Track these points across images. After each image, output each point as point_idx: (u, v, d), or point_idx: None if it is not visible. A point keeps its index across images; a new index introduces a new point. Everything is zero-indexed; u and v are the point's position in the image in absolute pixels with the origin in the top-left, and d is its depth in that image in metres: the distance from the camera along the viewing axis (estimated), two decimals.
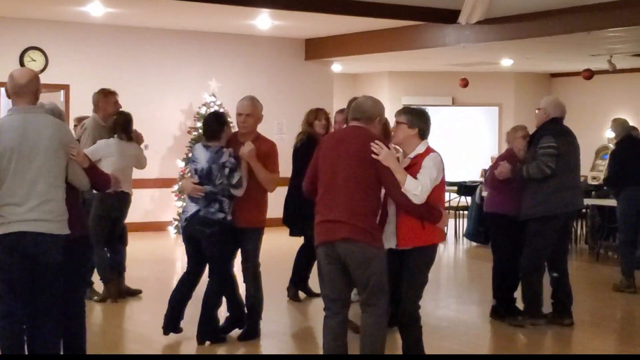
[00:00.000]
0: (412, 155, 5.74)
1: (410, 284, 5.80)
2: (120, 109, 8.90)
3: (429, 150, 5.75)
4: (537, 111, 8.17)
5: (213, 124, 7.06)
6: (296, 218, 8.64)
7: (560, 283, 8.13)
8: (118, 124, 8.64)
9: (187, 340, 7.21)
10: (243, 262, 7.27)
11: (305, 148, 8.55)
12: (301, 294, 9.17)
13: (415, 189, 5.50)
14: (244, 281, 7.33)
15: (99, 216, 8.56)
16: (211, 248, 7.01)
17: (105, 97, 8.93)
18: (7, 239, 5.27)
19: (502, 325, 8.00)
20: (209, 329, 7.12)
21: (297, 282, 9.14)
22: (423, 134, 5.79)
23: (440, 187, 5.73)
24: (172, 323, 7.24)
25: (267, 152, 7.07)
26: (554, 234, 7.89)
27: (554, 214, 7.80)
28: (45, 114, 5.49)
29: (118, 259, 8.88)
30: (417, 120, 5.78)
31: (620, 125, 10.51)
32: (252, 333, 7.32)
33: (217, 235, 6.96)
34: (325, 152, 5.76)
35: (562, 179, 7.76)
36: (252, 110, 7.08)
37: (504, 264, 8.17)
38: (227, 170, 6.89)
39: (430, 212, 5.65)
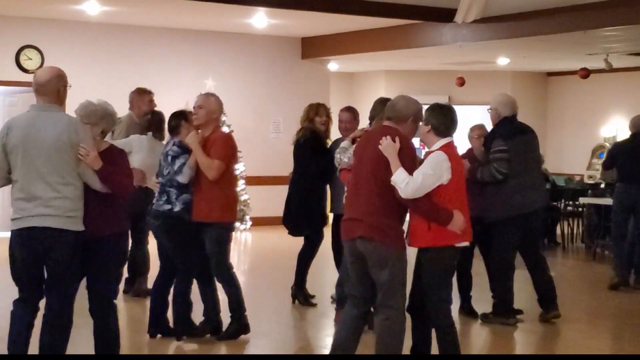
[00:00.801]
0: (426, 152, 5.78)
1: (427, 286, 5.69)
2: (155, 108, 9.00)
3: (441, 148, 5.65)
4: (488, 111, 8.15)
5: (171, 120, 7.26)
6: (298, 218, 8.50)
7: (541, 279, 8.17)
8: (153, 123, 8.69)
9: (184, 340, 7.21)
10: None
11: (309, 144, 8.41)
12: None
13: (402, 182, 5.44)
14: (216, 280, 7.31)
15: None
16: (165, 242, 7.10)
17: (139, 96, 9.13)
18: (19, 234, 5.42)
19: (499, 325, 8.00)
20: (182, 327, 7.15)
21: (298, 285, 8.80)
22: (437, 130, 5.71)
23: (449, 187, 5.54)
24: (154, 324, 7.26)
25: (214, 140, 6.99)
26: (516, 235, 7.92)
27: (514, 215, 7.80)
28: (61, 113, 5.52)
29: (141, 257, 8.91)
30: (430, 116, 5.73)
31: (631, 121, 10.55)
32: (239, 330, 7.24)
33: (165, 227, 7.03)
34: (356, 151, 5.91)
35: (519, 179, 7.74)
36: (202, 102, 7.12)
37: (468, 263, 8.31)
38: (169, 158, 6.99)
39: (436, 212, 5.52)
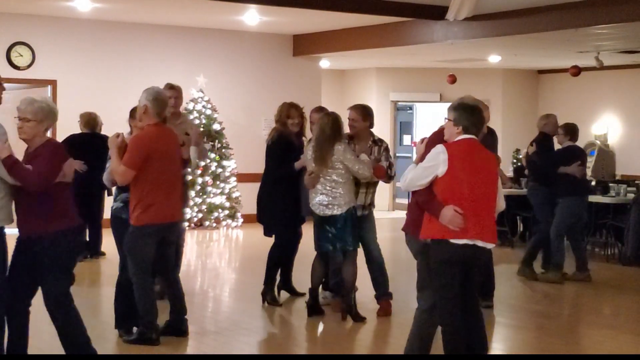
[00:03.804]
0: None
1: (428, 280, 5.70)
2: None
3: (448, 143, 5.58)
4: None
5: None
6: (266, 218, 8.51)
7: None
8: None
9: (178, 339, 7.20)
10: None
11: (276, 146, 8.41)
12: (285, 294, 8.91)
13: (404, 177, 5.64)
14: None
15: None
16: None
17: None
18: None
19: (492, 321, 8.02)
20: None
21: (278, 284, 8.76)
22: (465, 128, 5.62)
23: (444, 180, 5.46)
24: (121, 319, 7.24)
25: (129, 141, 6.82)
26: None
27: None
28: None
29: None
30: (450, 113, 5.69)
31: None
32: (136, 339, 6.98)
33: (110, 224, 7.21)
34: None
35: None
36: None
37: None
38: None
39: (427, 203, 5.50)
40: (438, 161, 5.47)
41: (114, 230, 7.11)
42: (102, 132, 11.32)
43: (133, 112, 7.14)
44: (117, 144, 6.74)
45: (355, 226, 7.76)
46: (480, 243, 5.50)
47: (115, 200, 7.12)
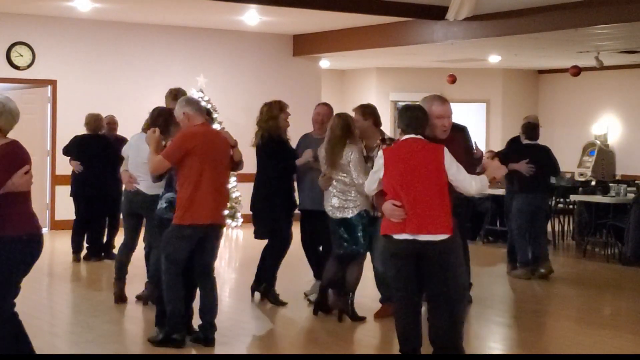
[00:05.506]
0: None
1: None
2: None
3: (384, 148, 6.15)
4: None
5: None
6: (262, 219, 8.42)
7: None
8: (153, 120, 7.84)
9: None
10: None
11: (270, 144, 8.28)
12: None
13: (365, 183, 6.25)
14: None
15: (123, 214, 8.57)
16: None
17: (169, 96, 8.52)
18: None
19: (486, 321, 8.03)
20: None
21: (263, 283, 8.61)
22: (403, 130, 5.91)
23: (384, 183, 5.85)
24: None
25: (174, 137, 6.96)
26: None
27: None
28: None
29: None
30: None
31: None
32: (162, 340, 6.92)
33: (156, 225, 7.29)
34: None
35: None
36: None
37: None
38: None
39: (379, 204, 5.97)
40: (379, 166, 5.91)
41: (158, 230, 7.09)
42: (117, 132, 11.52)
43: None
44: (155, 138, 6.87)
45: (367, 229, 7.69)
46: (422, 237, 5.69)
47: (160, 200, 7.04)
